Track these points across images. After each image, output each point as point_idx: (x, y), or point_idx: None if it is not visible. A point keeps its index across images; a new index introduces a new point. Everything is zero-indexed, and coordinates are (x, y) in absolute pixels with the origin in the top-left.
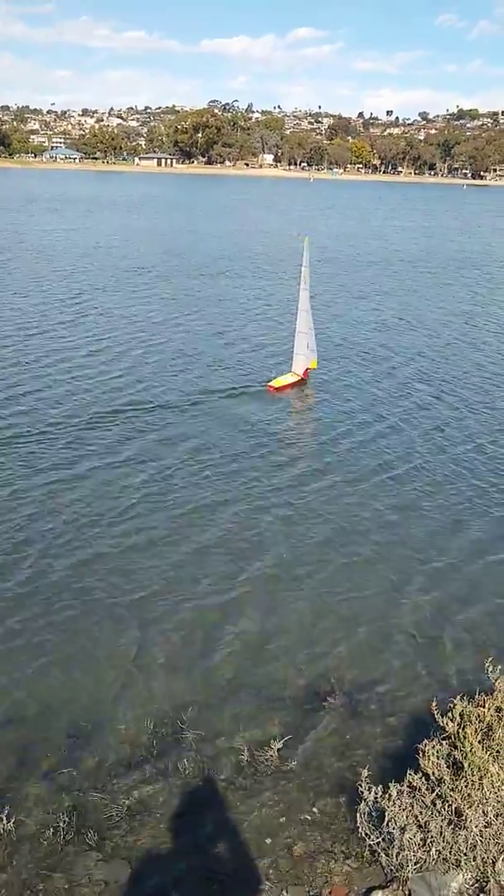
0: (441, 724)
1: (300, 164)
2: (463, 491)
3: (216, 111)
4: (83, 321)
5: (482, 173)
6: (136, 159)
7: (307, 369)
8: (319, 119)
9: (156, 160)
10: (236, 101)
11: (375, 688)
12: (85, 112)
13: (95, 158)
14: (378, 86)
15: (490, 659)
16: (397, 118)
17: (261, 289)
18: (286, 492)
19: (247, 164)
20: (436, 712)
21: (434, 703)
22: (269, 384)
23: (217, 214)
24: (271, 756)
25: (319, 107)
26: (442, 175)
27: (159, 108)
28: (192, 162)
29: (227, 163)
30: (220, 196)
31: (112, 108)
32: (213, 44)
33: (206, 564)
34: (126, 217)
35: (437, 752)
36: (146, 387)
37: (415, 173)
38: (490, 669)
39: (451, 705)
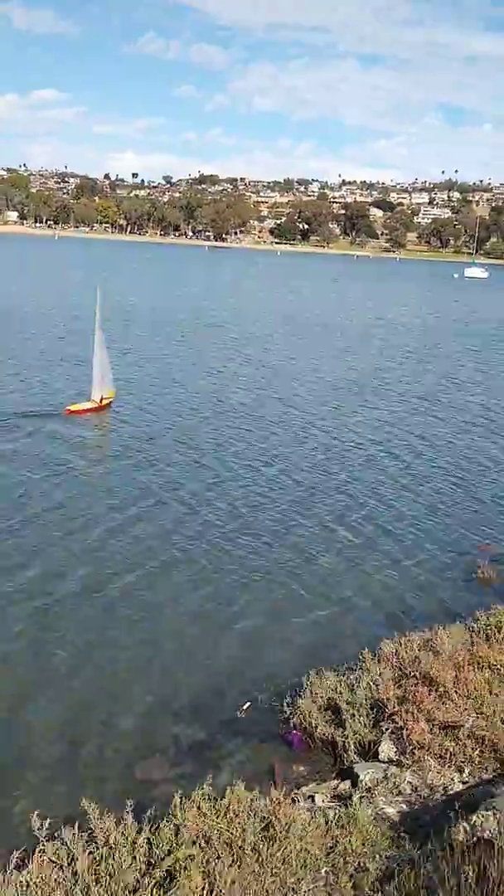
0: None
1: (47, 222)
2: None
3: None
4: None
5: (224, 235)
6: None
7: (104, 398)
8: (66, 179)
9: None
10: None
11: None
12: None
13: None
14: (121, 149)
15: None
16: (143, 181)
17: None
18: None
19: None
20: None
21: None
22: (67, 408)
23: None
24: None
25: (66, 167)
26: (187, 237)
27: None
28: None
29: None
30: None
31: None
32: None
33: None
34: None
35: None
36: None
37: (160, 234)
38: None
39: None
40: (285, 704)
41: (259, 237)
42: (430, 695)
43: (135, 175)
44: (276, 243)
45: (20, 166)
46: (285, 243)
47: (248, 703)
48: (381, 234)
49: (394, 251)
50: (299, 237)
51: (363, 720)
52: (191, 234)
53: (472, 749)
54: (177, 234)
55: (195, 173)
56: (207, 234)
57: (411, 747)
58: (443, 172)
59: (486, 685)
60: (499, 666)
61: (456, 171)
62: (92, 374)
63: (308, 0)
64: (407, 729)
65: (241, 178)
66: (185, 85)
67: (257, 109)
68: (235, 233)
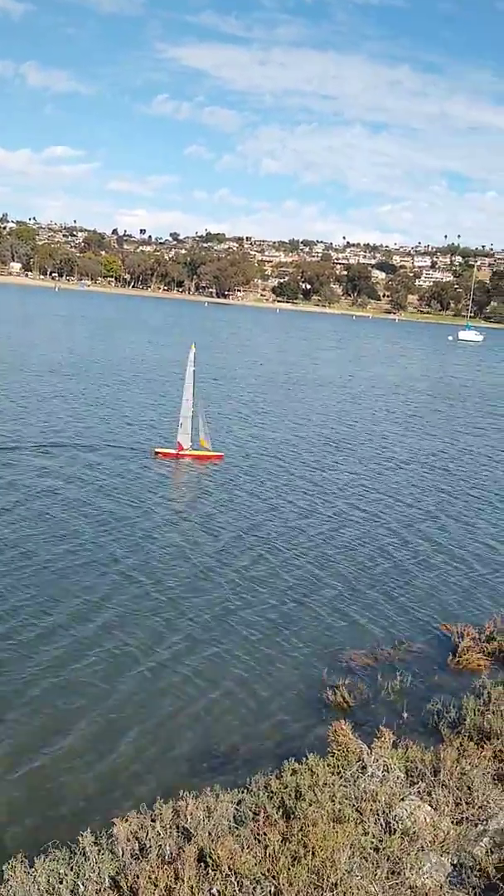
0: None
1: (50, 275)
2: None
3: None
4: None
5: (226, 292)
6: None
7: (191, 447)
8: (74, 233)
9: None
10: None
11: None
12: None
13: None
14: (133, 206)
15: None
16: (150, 236)
17: None
18: None
19: None
20: None
21: None
22: (155, 450)
23: None
24: None
25: (75, 221)
26: (189, 293)
27: None
28: None
29: None
30: None
31: None
32: None
33: None
34: None
35: None
36: None
37: (164, 289)
38: None
39: None
40: None
41: (262, 295)
42: None
43: (142, 231)
44: (278, 301)
45: (29, 219)
46: (287, 301)
47: None
48: (383, 296)
49: (394, 312)
50: (301, 296)
51: None
52: (194, 289)
53: None
54: (180, 290)
55: (203, 231)
56: (210, 290)
57: None
58: (445, 237)
59: None
60: (236, 876)
61: (459, 236)
62: (182, 424)
63: (319, 72)
64: None
65: (247, 237)
66: (196, 145)
67: (266, 171)
68: (238, 290)
